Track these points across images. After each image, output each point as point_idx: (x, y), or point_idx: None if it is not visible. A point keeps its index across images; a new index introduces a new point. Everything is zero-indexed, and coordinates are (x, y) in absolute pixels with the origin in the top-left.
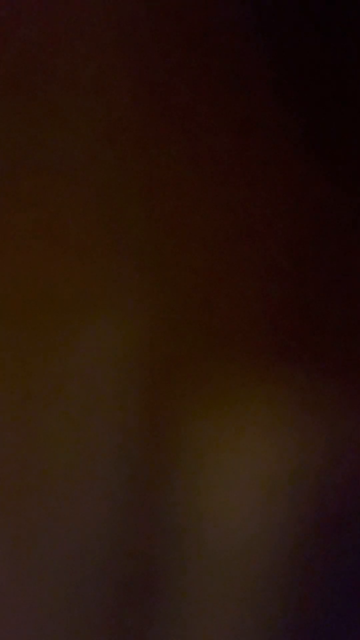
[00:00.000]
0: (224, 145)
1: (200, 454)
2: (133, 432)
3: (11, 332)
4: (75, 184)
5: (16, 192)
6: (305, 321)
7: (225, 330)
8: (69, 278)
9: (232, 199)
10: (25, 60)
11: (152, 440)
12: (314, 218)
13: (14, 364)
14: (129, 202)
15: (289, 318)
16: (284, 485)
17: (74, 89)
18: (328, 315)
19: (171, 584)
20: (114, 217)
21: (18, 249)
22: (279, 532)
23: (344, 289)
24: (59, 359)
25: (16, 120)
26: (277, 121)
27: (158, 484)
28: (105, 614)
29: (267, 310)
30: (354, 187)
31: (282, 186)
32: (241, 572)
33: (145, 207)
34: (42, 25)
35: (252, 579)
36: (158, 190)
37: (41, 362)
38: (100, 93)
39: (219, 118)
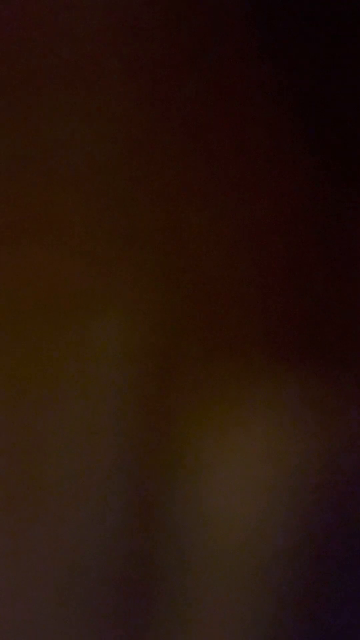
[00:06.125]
0: (225, 147)
1: (200, 454)
2: (133, 432)
3: (11, 333)
4: (76, 185)
5: (16, 193)
6: (304, 322)
7: (224, 332)
8: (69, 279)
9: (233, 201)
10: (25, 61)
11: (152, 441)
12: (314, 220)
13: (13, 365)
14: (129, 203)
15: (288, 319)
16: (284, 485)
17: (73, 90)
18: (327, 317)
19: (171, 585)
20: (114, 219)
21: (18, 249)
22: (279, 533)
23: (342, 291)
24: (58, 360)
25: (16, 121)
26: (279, 124)
27: (158, 484)
28: (105, 616)
29: (267, 312)
30: (355, 190)
31: (283, 188)
32: (241, 573)
33: (145, 209)
34: (42, 25)
35: (253, 579)
36: (158, 192)
37: (41, 362)
38: (101, 95)
39: (220, 120)
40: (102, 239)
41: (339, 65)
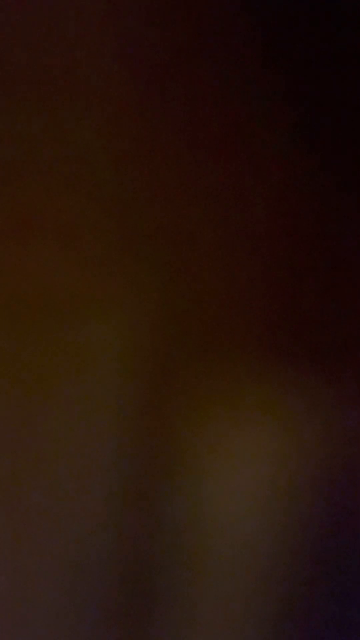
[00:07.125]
0: (224, 149)
1: (199, 455)
2: (132, 433)
3: (11, 333)
4: (76, 185)
5: (15, 195)
6: (303, 323)
7: (224, 333)
8: (69, 279)
9: (232, 203)
10: (25, 62)
11: (152, 442)
12: (312, 221)
13: (13, 365)
14: (129, 204)
15: (287, 320)
16: (283, 486)
17: (73, 91)
18: (325, 317)
19: (171, 585)
20: (114, 219)
21: (17, 251)
22: (279, 533)
23: (340, 291)
24: (58, 360)
25: (16, 123)
26: (278, 124)
27: (158, 484)
28: (106, 616)
29: (266, 313)
30: (353, 189)
31: (282, 188)
32: (242, 572)
33: (145, 209)
34: (41, 26)
35: (253, 579)
36: (158, 192)
37: (41, 362)
38: (100, 96)
39: (219, 122)
40: (101, 240)
41: (339, 65)
